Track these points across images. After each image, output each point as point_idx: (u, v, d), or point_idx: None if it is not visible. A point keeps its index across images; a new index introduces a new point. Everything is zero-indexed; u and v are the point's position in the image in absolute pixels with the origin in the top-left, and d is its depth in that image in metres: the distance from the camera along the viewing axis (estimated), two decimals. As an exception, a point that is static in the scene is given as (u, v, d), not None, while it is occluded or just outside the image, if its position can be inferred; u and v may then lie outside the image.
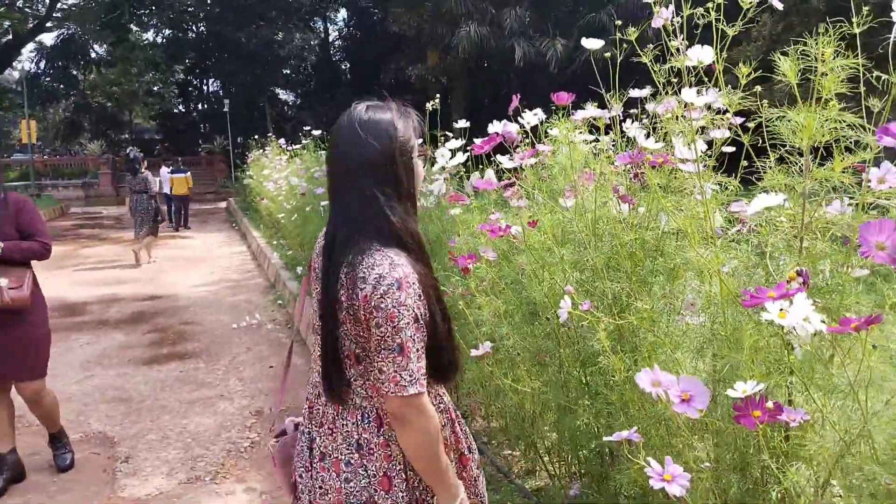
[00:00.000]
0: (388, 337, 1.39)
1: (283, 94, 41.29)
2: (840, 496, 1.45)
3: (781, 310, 1.25)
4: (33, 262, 3.38)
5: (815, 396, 1.41)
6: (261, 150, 14.84)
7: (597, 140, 2.49)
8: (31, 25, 38.00)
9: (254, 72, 34.41)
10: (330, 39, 39.38)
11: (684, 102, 1.88)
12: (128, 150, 12.32)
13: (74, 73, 39.57)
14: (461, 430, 1.68)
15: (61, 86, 39.69)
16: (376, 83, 28.60)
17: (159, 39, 39.39)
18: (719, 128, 1.97)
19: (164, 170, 16.45)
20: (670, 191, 2.06)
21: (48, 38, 40.62)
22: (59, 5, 36.55)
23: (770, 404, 1.33)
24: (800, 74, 1.65)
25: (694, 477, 1.45)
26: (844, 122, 1.58)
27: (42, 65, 40.47)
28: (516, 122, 2.72)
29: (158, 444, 4.01)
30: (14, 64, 42.03)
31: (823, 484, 1.45)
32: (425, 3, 24.71)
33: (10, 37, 39.20)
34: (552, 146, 2.54)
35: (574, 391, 2.32)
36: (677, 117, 1.96)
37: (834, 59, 1.57)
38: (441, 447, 1.50)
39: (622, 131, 2.45)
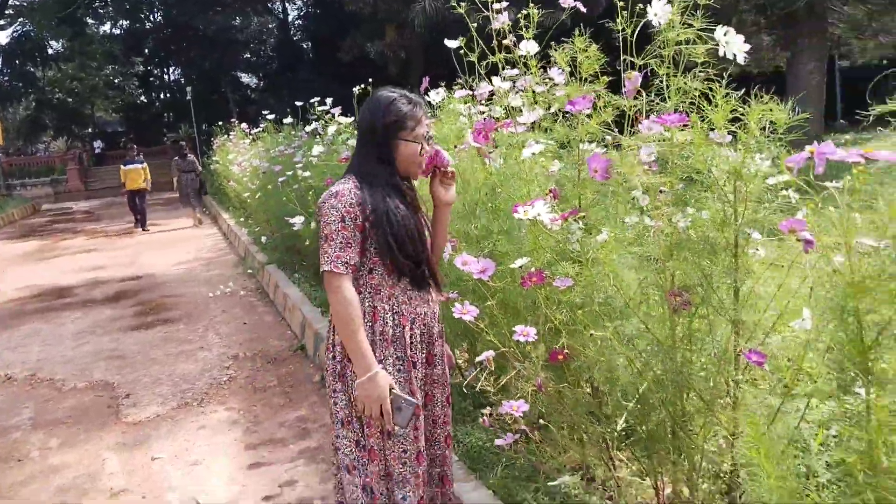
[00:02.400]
0: (321, 228, 1.96)
1: (246, 78, 41.37)
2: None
3: (524, 210, 2.10)
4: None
5: (567, 266, 2.27)
6: (225, 136, 15.44)
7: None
8: (-17, 25, 37.66)
9: (214, 57, 34.56)
10: (289, 20, 39.50)
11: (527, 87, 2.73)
12: (179, 142, 14.06)
13: (32, 70, 39.20)
14: (388, 326, 2.01)
15: (20, 84, 39.35)
16: (337, 62, 29.04)
17: (116, 31, 39.26)
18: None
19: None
20: (513, 146, 2.89)
21: (2, 37, 40.26)
22: (10, 2, 36.28)
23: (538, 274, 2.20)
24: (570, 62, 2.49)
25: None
26: (597, 92, 2.43)
27: (-1, 64, 40.08)
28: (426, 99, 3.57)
29: (152, 384, 4.83)
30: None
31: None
32: (380, -22, 25.04)
33: (-37, 37, 38.86)
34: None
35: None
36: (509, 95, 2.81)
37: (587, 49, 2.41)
38: (352, 326, 1.90)
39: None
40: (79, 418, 4.33)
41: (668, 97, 2.20)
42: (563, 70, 2.52)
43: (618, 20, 2.39)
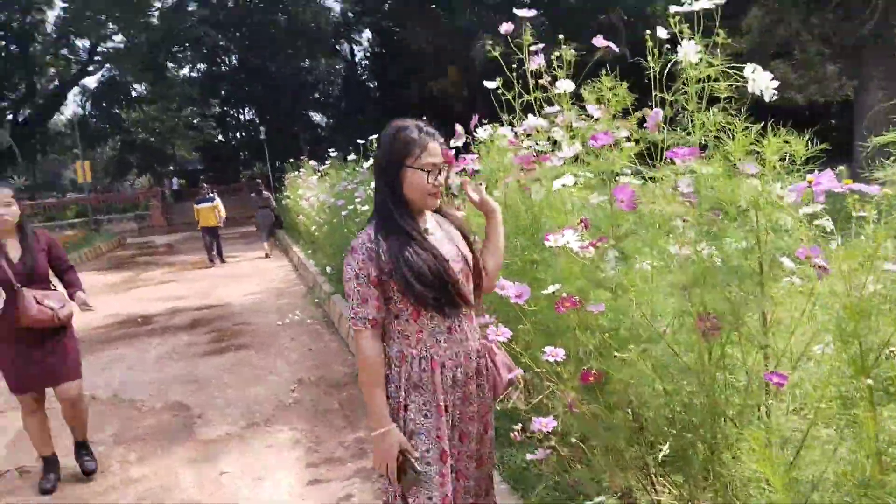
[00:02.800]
0: (344, 286, 2.06)
1: (317, 117, 42.89)
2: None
3: (555, 238, 2.27)
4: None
5: (600, 292, 2.42)
6: (296, 172, 16.10)
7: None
8: (74, 71, 40.40)
9: (286, 98, 36.04)
10: (356, 60, 40.87)
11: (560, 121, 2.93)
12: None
13: (118, 112, 41.64)
14: (413, 372, 2.01)
15: (107, 126, 41.85)
16: (402, 100, 29.88)
17: (195, 74, 41.44)
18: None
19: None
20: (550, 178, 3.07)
21: (91, 82, 43.04)
22: (98, 49, 38.83)
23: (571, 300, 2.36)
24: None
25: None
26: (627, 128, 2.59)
27: (88, 107, 42.81)
28: (472, 136, 3.81)
29: (224, 406, 5.14)
30: (61, 109, 44.61)
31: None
32: (441, 20, 25.74)
33: (57, 82, 41.73)
34: (483, 154, 3.58)
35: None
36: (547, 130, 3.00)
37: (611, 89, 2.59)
38: (370, 381, 1.99)
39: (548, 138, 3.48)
40: (156, 435, 4.67)
41: (692, 132, 2.35)
42: (599, 107, 2.70)
43: (649, 59, 2.56)
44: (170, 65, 40.14)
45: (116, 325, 8.93)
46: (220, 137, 43.02)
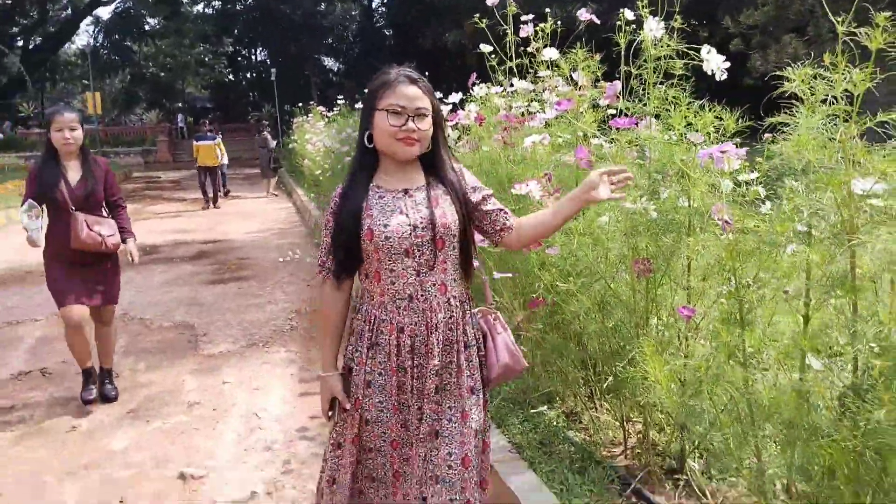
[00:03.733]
0: None
1: (329, 62, 42.74)
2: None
3: (520, 188, 2.66)
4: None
5: (556, 237, 2.81)
6: (304, 117, 16.38)
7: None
8: (88, 0, 40.09)
9: (299, 41, 35.91)
10: (373, 6, 40.57)
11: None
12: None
13: (129, 45, 41.47)
14: (375, 332, 1.92)
15: (118, 58, 41.69)
16: (417, 49, 29.83)
17: (209, 11, 41.18)
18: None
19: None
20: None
21: (104, 13, 42.77)
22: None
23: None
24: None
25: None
26: (582, 96, 2.96)
27: (100, 38, 42.58)
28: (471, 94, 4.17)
29: (225, 327, 5.60)
30: (73, 38, 44.42)
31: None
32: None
33: (69, 11, 41.47)
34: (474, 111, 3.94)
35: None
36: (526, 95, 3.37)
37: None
38: (322, 329, 2.03)
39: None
40: (164, 349, 5.13)
41: (647, 103, 2.71)
42: (583, 74, 3.06)
43: (619, 35, 2.91)
44: (185, 0, 39.90)
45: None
46: (230, 77, 42.98)
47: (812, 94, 1.90)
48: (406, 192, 1.91)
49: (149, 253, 9.20)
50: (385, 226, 1.84)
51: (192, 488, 3.12)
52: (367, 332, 1.93)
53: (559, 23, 3.53)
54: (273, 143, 16.73)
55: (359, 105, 9.32)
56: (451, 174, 1.97)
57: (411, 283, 1.88)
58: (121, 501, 3.03)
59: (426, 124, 1.87)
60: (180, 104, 42.23)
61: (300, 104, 18.04)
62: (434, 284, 1.89)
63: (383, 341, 1.91)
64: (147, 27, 41.32)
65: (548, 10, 3.64)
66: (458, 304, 1.94)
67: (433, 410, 1.90)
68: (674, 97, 2.56)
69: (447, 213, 1.89)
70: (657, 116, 2.73)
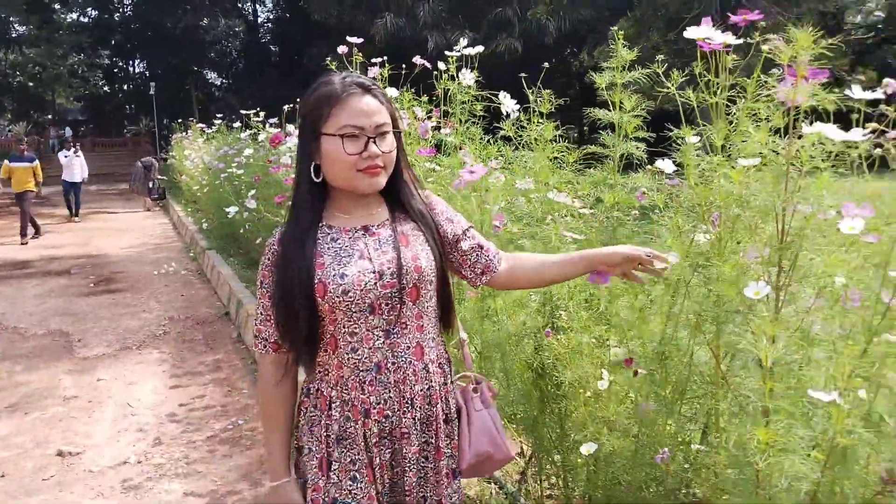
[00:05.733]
0: None
1: (212, 76, 42.06)
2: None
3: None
4: None
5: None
6: (183, 133, 16.47)
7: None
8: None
9: (180, 54, 35.25)
10: (259, 21, 40.42)
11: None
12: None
13: (-6, 51, 39.12)
14: (334, 420, 1.48)
15: (-21, 66, 39.20)
16: (302, 68, 30.11)
17: (84, 20, 39.64)
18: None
19: (62, 153, 14.98)
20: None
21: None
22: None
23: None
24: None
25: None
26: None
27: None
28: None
29: (101, 333, 5.96)
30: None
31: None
32: (346, -9, 26.11)
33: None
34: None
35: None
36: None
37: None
38: (266, 424, 1.57)
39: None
40: (39, 353, 5.45)
41: (455, 137, 3.48)
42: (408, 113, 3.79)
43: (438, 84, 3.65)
44: (57, 7, 38.24)
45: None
46: (106, 89, 41.44)
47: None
48: (366, 229, 1.50)
49: (20, 268, 9.23)
50: (342, 276, 1.42)
51: (69, 462, 3.59)
52: (324, 421, 1.50)
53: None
54: (157, 166, 17.22)
55: (237, 124, 9.78)
56: (420, 204, 1.57)
57: (379, 347, 1.46)
58: (2, 475, 3.46)
59: (389, 144, 1.46)
60: (50, 116, 40.29)
61: (180, 120, 18.05)
62: (408, 348, 1.49)
63: (350, 431, 1.48)
64: (14, 34, 39.23)
65: (429, 36, 4.31)
66: (437, 369, 1.55)
67: None
68: (472, 133, 3.34)
69: (420, 255, 1.49)
70: (459, 148, 3.50)
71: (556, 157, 2.69)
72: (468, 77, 3.50)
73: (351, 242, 1.47)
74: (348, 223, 1.50)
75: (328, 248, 1.46)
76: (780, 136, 1.60)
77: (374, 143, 1.42)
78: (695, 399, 2.01)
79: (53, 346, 5.66)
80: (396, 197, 1.55)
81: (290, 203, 1.53)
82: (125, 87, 42.02)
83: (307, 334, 1.44)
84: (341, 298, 1.41)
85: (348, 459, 1.48)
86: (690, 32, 1.69)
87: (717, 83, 1.78)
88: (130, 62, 41.52)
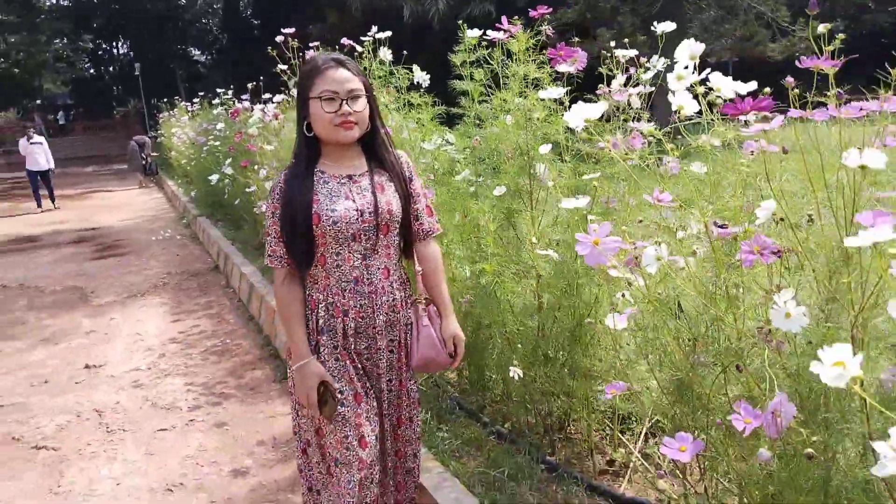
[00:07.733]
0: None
1: (196, 54, 42.43)
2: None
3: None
4: None
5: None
6: (170, 112, 17.33)
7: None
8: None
9: (161, 34, 35.72)
10: (241, -5, 40.65)
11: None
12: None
13: (-24, 40, 39.38)
14: (320, 316, 1.95)
15: (-37, 55, 39.51)
16: (284, 41, 30.59)
17: (65, 3, 39.91)
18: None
19: (23, 141, 14.42)
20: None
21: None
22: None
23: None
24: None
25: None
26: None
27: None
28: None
29: (110, 287, 7.02)
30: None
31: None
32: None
33: None
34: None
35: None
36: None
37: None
38: (284, 319, 1.98)
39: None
40: (60, 304, 6.51)
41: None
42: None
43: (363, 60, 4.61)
44: (37, -8, 38.50)
45: (6, 242, 10.38)
46: (91, 72, 41.89)
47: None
48: (350, 178, 1.95)
49: (31, 242, 10.26)
50: (332, 210, 1.88)
51: (94, 372, 4.66)
52: (313, 317, 1.97)
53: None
54: (149, 143, 18.20)
55: (217, 101, 10.72)
56: (392, 157, 2.02)
57: (357, 266, 1.94)
58: (46, 381, 4.53)
59: (361, 105, 1.90)
60: (39, 102, 40.86)
61: (165, 99, 18.84)
62: (378, 269, 1.97)
63: (332, 324, 1.96)
64: (-5, 21, 39.52)
65: (404, 4, 5.08)
66: (399, 286, 2.03)
67: (370, 388, 2.01)
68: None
69: (392, 201, 1.96)
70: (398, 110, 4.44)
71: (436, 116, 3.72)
72: (386, 54, 4.43)
73: (339, 186, 1.92)
74: (336, 171, 1.95)
75: (321, 188, 1.91)
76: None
77: (347, 103, 1.86)
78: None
79: (71, 298, 6.72)
80: (374, 152, 2.01)
81: (293, 153, 2.01)
82: (111, 69, 42.45)
83: (305, 249, 1.90)
84: (331, 227, 1.88)
85: (331, 346, 1.96)
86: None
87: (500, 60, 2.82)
88: (114, 44, 41.91)
